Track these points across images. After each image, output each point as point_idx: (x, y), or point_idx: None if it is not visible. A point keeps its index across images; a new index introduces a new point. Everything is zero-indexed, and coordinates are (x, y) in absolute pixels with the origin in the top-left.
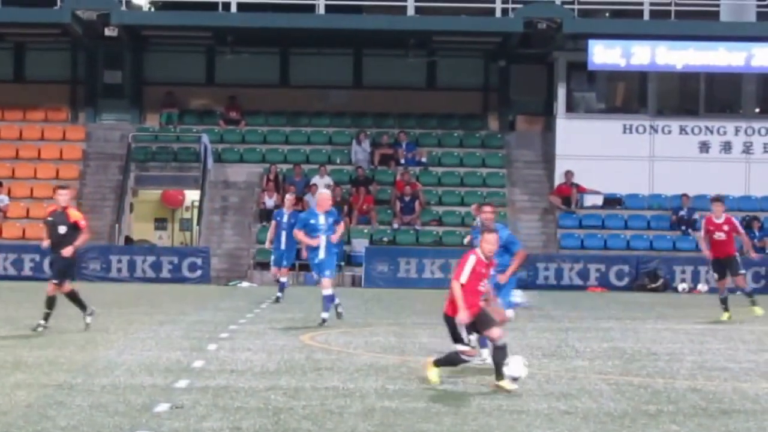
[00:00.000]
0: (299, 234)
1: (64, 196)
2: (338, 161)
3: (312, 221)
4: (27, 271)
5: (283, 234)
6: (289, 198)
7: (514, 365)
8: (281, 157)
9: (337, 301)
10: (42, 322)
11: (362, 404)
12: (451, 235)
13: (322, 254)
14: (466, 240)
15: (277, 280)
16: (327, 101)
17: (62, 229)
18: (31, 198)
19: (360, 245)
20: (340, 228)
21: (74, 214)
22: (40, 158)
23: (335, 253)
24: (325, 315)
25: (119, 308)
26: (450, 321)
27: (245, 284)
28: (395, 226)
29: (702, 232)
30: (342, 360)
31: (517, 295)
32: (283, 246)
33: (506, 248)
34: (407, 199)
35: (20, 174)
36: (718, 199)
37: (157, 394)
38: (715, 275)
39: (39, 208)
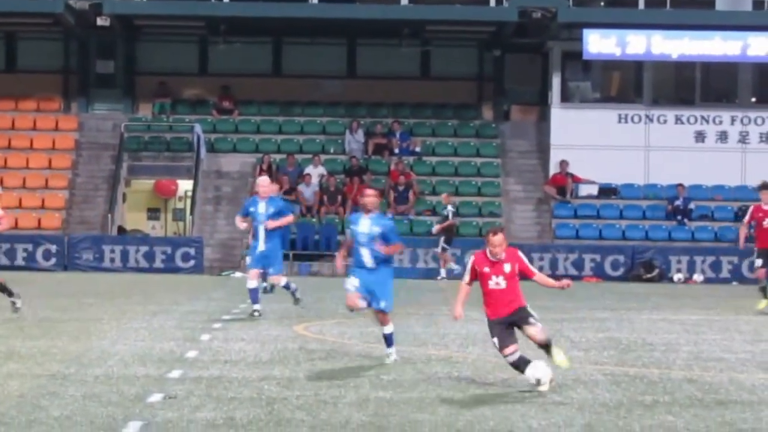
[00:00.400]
0: (238, 220)
1: None
2: (332, 151)
3: (252, 209)
4: (20, 261)
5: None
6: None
7: (540, 369)
8: (274, 147)
9: (265, 285)
10: (12, 299)
11: (356, 394)
12: None
13: (261, 245)
14: (339, 255)
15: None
16: (320, 91)
17: None
18: (24, 188)
19: None
20: (285, 220)
21: None
22: (32, 148)
23: (279, 246)
24: (293, 286)
25: (112, 298)
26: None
27: (238, 274)
28: (389, 215)
29: (746, 219)
30: (336, 350)
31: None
32: None
33: (385, 237)
34: (401, 188)
35: (12, 164)
36: (765, 186)
37: (151, 385)
38: (759, 262)
39: (32, 197)
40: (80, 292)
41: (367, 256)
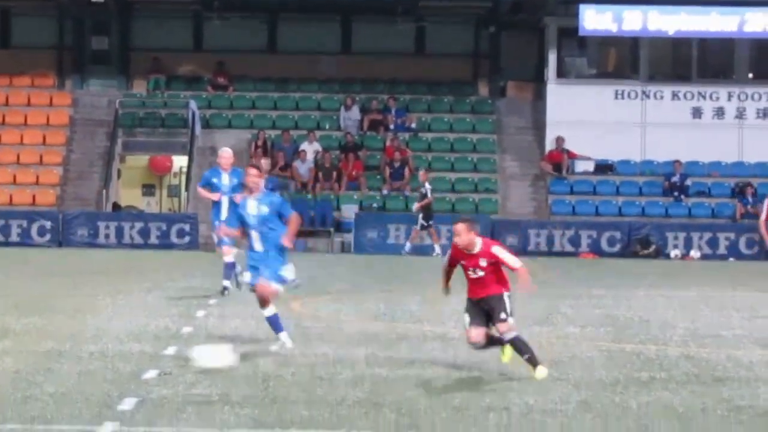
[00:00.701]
0: (201, 191)
1: None
2: (327, 127)
3: (215, 180)
4: (14, 237)
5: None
6: (264, 162)
7: (214, 354)
8: (270, 123)
9: (238, 269)
10: None
11: (352, 372)
12: (441, 201)
13: (224, 215)
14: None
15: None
16: (316, 67)
17: None
18: (18, 164)
19: (349, 211)
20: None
21: None
22: (26, 124)
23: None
24: (226, 283)
25: (107, 275)
26: None
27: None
28: (385, 192)
29: (763, 216)
30: (332, 327)
31: (288, 271)
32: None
33: (280, 214)
34: (397, 165)
35: (7, 140)
36: None
37: (146, 362)
38: None
39: (26, 174)
40: (75, 268)
41: (257, 240)
